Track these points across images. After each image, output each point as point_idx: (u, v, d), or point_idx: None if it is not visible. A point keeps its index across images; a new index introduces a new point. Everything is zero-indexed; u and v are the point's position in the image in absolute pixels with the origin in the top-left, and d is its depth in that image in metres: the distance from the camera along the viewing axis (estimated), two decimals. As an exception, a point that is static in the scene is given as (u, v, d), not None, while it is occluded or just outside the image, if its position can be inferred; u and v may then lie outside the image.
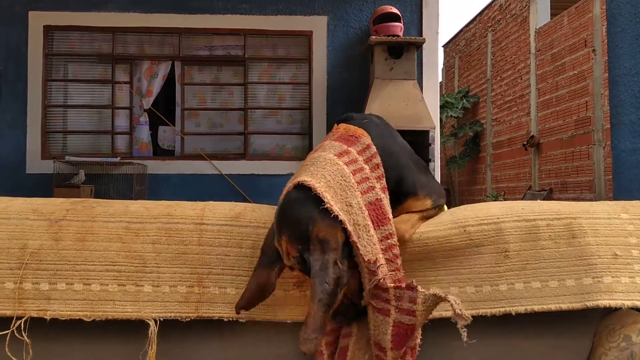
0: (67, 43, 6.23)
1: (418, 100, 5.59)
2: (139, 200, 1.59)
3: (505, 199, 10.53)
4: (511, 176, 11.07)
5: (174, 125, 6.30)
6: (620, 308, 1.49)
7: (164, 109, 6.51)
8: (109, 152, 6.18)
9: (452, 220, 1.48)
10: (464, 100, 12.56)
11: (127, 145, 6.28)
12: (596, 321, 1.51)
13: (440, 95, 10.84)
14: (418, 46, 5.80)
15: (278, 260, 1.30)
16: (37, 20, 6.05)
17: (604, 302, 1.42)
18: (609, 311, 1.52)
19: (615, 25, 3.81)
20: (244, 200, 5.82)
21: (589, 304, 1.42)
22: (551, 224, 1.48)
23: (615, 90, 3.78)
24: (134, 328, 1.39)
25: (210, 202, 1.57)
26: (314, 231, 1.22)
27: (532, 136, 9.99)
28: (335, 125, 1.54)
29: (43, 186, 5.51)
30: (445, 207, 1.76)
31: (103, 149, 6.25)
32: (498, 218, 1.48)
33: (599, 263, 1.45)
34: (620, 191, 3.72)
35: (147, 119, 6.36)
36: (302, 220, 1.23)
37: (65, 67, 6.29)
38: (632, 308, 1.48)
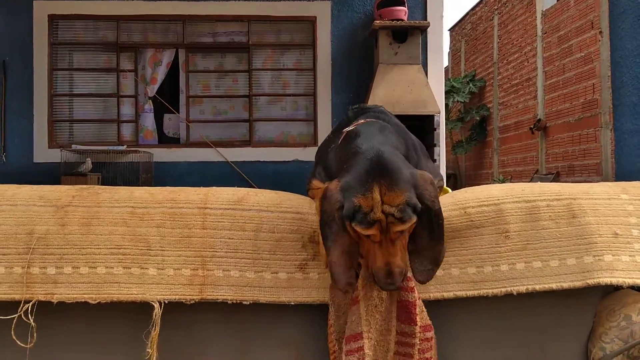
0: (72, 32, 6.24)
1: (423, 84, 5.57)
2: (143, 187, 1.60)
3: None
4: (518, 160, 11.02)
5: (178, 112, 6.31)
6: (620, 287, 1.50)
7: (168, 96, 6.51)
8: (115, 140, 6.21)
9: (453, 202, 1.49)
10: (471, 84, 12.48)
11: (132, 133, 6.30)
12: (596, 302, 1.52)
13: (446, 80, 10.78)
14: (422, 30, 5.76)
15: (353, 218, 1.27)
16: (42, 9, 6.05)
17: (605, 279, 1.43)
18: (609, 292, 1.53)
19: (617, 7, 3.78)
20: (250, 187, 5.83)
21: (590, 281, 1.43)
22: (551, 204, 1.49)
23: (617, 72, 3.75)
24: (139, 310, 1.41)
25: (214, 187, 1.59)
26: (429, 179, 1.31)
27: (539, 119, 9.92)
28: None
29: (50, 175, 5.55)
30: (450, 190, 1.78)
31: (109, 137, 6.28)
32: (498, 199, 1.49)
33: (599, 242, 1.46)
34: (622, 172, 3.70)
35: (152, 107, 6.37)
36: (405, 169, 1.31)
37: (71, 56, 6.31)
38: (632, 287, 1.49)
